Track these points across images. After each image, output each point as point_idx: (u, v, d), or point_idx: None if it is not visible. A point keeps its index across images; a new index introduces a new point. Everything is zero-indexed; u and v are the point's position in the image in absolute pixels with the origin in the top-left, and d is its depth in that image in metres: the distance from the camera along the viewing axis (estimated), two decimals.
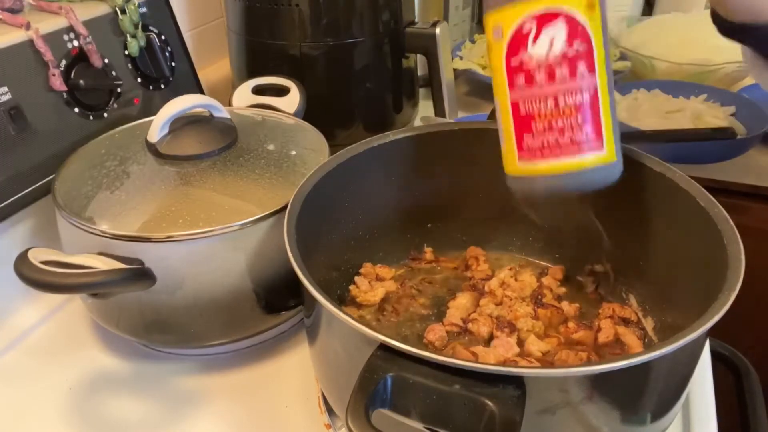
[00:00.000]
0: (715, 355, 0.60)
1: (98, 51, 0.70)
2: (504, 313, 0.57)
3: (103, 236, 0.52)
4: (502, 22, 0.39)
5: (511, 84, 0.40)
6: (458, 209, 0.66)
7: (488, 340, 0.54)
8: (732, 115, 0.89)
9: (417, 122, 0.96)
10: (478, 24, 1.33)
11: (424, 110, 0.98)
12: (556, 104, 0.39)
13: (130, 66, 0.75)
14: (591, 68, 0.39)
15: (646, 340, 0.56)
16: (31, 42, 0.63)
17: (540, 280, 0.62)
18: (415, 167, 0.62)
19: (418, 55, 0.91)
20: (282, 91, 0.76)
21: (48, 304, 0.68)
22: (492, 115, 0.74)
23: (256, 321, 0.58)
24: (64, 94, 0.67)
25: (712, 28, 0.49)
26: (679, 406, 0.46)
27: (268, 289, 0.57)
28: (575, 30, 0.38)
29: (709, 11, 0.49)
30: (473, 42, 1.15)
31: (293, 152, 0.63)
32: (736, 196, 0.89)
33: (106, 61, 0.71)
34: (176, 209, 0.54)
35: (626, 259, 0.59)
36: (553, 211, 0.61)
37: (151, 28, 0.77)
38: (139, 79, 0.77)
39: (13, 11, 0.66)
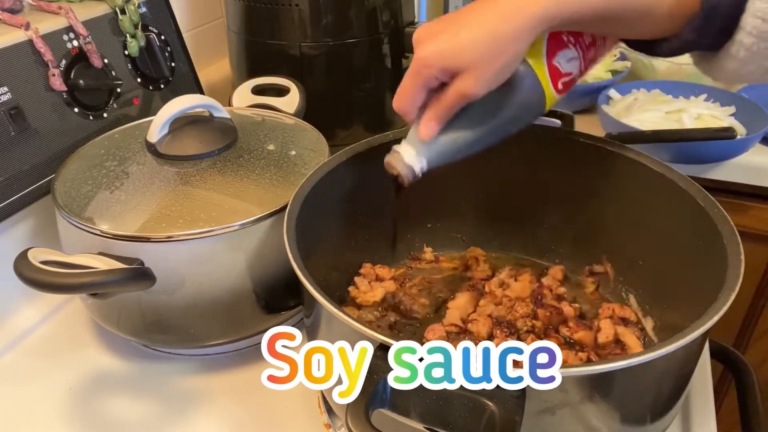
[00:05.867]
0: (715, 355, 0.60)
1: (98, 51, 0.70)
2: (503, 313, 0.57)
3: (103, 236, 0.52)
4: None
5: None
6: (458, 209, 0.66)
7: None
8: (732, 115, 0.88)
9: None
10: None
11: None
12: None
13: (129, 66, 0.75)
14: None
15: (645, 340, 0.56)
16: (31, 42, 0.63)
17: (540, 280, 0.62)
18: None
19: None
20: (282, 91, 0.76)
21: (48, 304, 0.68)
22: None
23: (256, 321, 0.58)
24: (64, 94, 0.67)
25: None
26: (679, 406, 0.46)
27: (268, 289, 0.57)
28: None
29: None
30: None
31: (293, 152, 0.63)
32: (736, 196, 0.89)
33: (106, 61, 0.71)
34: (176, 209, 0.54)
35: (626, 259, 0.59)
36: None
37: (151, 28, 0.77)
38: (138, 79, 0.77)
39: (13, 11, 0.66)
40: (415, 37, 0.44)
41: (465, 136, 0.47)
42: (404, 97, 0.45)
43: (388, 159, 0.48)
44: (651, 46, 0.46)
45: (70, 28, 0.67)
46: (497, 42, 0.41)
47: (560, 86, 0.47)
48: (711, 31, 0.42)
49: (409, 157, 0.47)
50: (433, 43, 0.42)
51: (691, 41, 0.43)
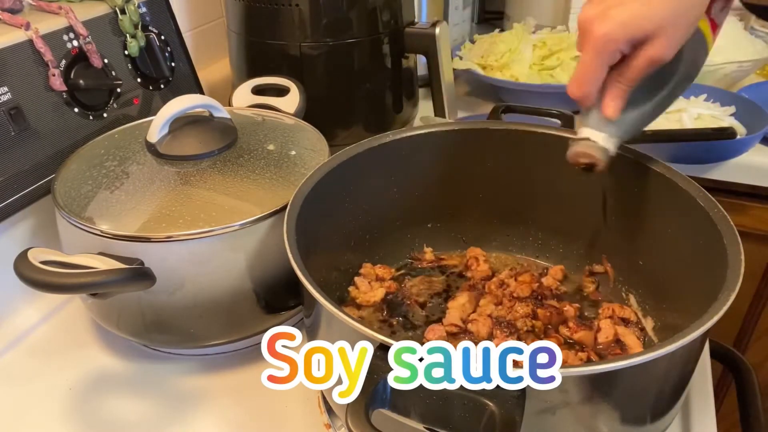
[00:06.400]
0: (715, 355, 0.60)
1: (98, 51, 0.70)
2: (504, 313, 0.57)
3: (103, 236, 0.52)
4: None
5: None
6: (458, 209, 0.66)
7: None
8: (732, 115, 0.88)
9: (417, 122, 0.96)
10: (478, 24, 1.33)
11: (424, 110, 0.98)
12: None
13: (129, 66, 0.75)
14: None
15: (645, 340, 0.56)
16: (31, 42, 0.63)
17: (540, 280, 0.62)
18: (415, 167, 0.62)
19: (418, 55, 0.91)
20: (282, 91, 0.76)
21: (48, 304, 0.68)
22: (492, 115, 0.74)
23: (256, 321, 0.58)
24: (64, 94, 0.67)
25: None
26: (679, 406, 0.46)
27: (268, 289, 0.57)
28: None
29: None
30: (473, 42, 1.14)
31: (293, 152, 0.63)
32: (736, 196, 0.89)
33: (106, 61, 0.71)
34: (176, 209, 0.54)
35: (626, 259, 0.59)
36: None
37: (151, 28, 0.77)
38: (138, 79, 0.77)
39: (13, 11, 0.66)
40: (582, 19, 0.43)
41: (646, 107, 0.47)
42: (587, 81, 0.43)
43: (577, 149, 0.48)
44: None
45: (70, 28, 0.67)
46: None
47: (715, 36, 0.48)
48: None
49: (602, 139, 0.46)
50: (611, 18, 0.41)
51: None
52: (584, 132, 0.48)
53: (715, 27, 0.48)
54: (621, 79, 0.44)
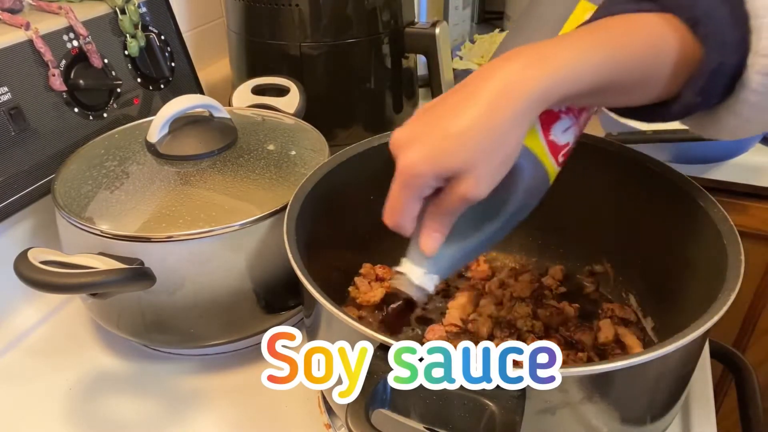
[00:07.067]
0: (715, 355, 0.60)
1: (98, 51, 0.70)
2: (504, 313, 0.57)
3: (103, 236, 0.52)
4: None
5: None
6: None
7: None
8: None
9: None
10: (478, 24, 1.33)
11: None
12: None
13: (129, 66, 0.75)
14: None
15: (645, 341, 0.56)
16: (31, 42, 0.63)
17: (540, 280, 0.62)
18: None
19: (418, 55, 0.91)
20: (282, 91, 0.76)
21: (48, 304, 0.68)
22: None
23: (256, 321, 0.58)
24: (64, 94, 0.67)
25: None
26: (679, 406, 0.46)
27: (268, 289, 0.57)
28: None
29: None
30: (473, 42, 1.15)
31: (293, 152, 0.63)
32: (736, 196, 0.89)
33: (106, 61, 0.71)
34: (176, 209, 0.54)
35: (626, 259, 0.59)
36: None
37: (151, 28, 0.77)
38: (138, 79, 0.77)
39: (13, 11, 0.66)
40: (393, 143, 0.38)
41: (472, 240, 0.42)
42: (397, 213, 0.39)
43: (394, 284, 0.44)
44: (649, 114, 0.41)
45: (70, 28, 0.67)
46: (495, 132, 0.36)
47: (561, 159, 0.43)
48: (717, 90, 0.38)
49: (417, 277, 0.42)
50: (419, 147, 0.36)
51: (697, 104, 0.39)
52: (402, 265, 0.43)
53: (559, 149, 0.42)
54: (435, 215, 0.39)
